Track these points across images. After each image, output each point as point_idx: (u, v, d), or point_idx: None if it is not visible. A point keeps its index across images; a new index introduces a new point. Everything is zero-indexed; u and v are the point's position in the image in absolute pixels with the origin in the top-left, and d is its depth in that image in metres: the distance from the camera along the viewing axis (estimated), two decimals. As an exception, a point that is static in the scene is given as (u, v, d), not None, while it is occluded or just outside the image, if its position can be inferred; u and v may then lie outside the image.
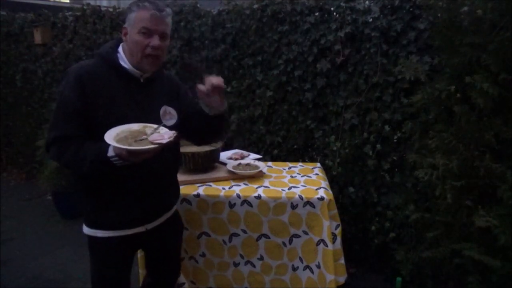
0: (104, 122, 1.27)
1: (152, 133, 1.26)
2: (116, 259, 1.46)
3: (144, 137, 1.24)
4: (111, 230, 1.39)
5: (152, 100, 1.41)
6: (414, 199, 2.21)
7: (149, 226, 1.47)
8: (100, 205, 1.37)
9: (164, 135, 1.25)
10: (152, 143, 1.21)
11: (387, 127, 2.34)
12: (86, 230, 1.42)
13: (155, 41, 1.31)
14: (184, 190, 1.91)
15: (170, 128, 1.36)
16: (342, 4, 2.38)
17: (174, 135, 1.26)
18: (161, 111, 1.42)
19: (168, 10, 1.35)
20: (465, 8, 1.75)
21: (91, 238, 1.42)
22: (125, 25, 1.34)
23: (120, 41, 1.40)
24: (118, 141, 1.19)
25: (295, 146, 2.77)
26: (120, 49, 1.38)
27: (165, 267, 1.68)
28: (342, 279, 1.90)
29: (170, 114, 1.44)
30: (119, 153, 1.20)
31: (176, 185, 1.64)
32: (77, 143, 1.26)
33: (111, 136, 1.20)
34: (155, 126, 1.31)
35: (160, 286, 1.72)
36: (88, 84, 1.27)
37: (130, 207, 1.38)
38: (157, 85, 1.44)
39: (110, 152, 1.22)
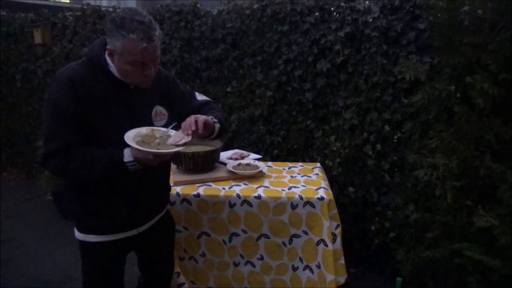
0: (96, 127, 1.25)
1: (161, 136, 1.30)
2: (109, 262, 1.45)
3: (157, 140, 1.27)
4: (104, 234, 1.39)
5: (143, 103, 1.38)
6: (414, 199, 2.21)
7: (141, 228, 1.47)
8: (92, 210, 1.35)
9: (183, 138, 1.30)
10: (176, 145, 1.26)
11: (387, 127, 2.34)
12: (78, 235, 1.41)
13: (149, 70, 1.24)
14: (184, 190, 1.91)
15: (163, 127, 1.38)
16: (342, 4, 2.38)
17: (188, 139, 1.30)
18: (153, 113, 1.41)
19: (156, 29, 1.20)
20: (465, 8, 1.75)
21: (83, 242, 1.41)
22: (109, 46, 1.21)
23: (106, 42, 1.27)
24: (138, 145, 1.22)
25: (295, 146, 2.77)
26: (107, 53, 1.27)
27: (159, 268, 1.67)
28: (342, 279, 1.90)
29: (161, 114, 1.43)
30: (143, 157, 1.21)
31: (167, 186, 1.64)
32: (80, 151, 1.23)
33: (133, 141, 1.22)
34: (163, 129, 1.34)
35: (155, 285, 1.72)
36: (80, 88, 1.21)
37: (122, 211, 1.38)
38: (148, 87, 1.39)
39: (127, 157, 1.23)
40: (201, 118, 1.34)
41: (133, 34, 1.15)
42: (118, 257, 1.48)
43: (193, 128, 1.30)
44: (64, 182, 1.45)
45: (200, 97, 1.58)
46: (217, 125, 1.46)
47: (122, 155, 1.24)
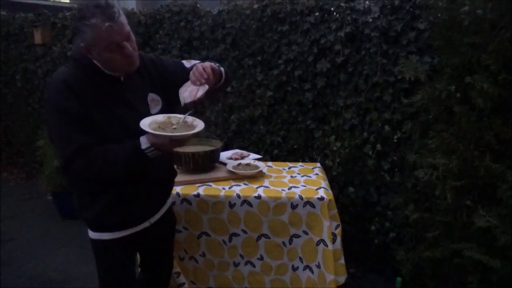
0: (99, 125, 1.24)
1: (178, 122, 1.28)
2: (123, 259, 1.46)
3: (173, 126, 1.26)
4: (118, 230, 1.39)
5: (137, 93, 1.37)
6: (414, 199, 2.21)
7: (153, 219, 1.49)
8: (107, 207, 1.35)
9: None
10: (190, 124, 1.27)
11: (387, 127, 2.34)
12: (92, 234, 1.41)
13: (126, 50, 1.21)
14: (184, 190, 1.91)
15: (157, 113, 1.38)
16: (342, 4, 2.38)
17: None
18: (149, 100, 1.40)
19: (115, 6, 1.18)
20: (465, 8, 1.75)
21: (97, 241, 1.41)
22: (83, 44, 1.19)
23: None
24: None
25: (295, 146, 2.77)
26: (85, 51, 1.25)
27: (160, 264, 1.69)
28: (342, 279, 1.90)
29: (154, 100, 1.42)
30: (160, 142, 1.20)
31: (173, 169, 1.64)
32: (99, 149, 1.22)
33: (149, 128, 1.21)
34: (180, 116, 1.32)
35: (155, 283, 1.73)
36: (77, 89, 1.21)
37: (136, 205, 1.39)
38: (137, 77, 1.39)
39: (144, 144, 1.22)
40: (206, 64, 1.34)
41: (93, 19, 1.13)
42: (130, 254, 1.49)
43: (205, 76, 1.30)
44: (75, 184, 1.42)
45: (189, 63, 1.54)
46: (222, 69, 1.46)
47: (139, 144, 1.23)
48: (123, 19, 1.20)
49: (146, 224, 1.46)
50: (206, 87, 1.31)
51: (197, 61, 1.55)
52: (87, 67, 1.26)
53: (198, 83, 1.31)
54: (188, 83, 1.35)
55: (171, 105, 1.44)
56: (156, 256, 1.67)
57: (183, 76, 1.44)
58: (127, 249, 1.45)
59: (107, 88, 1.29)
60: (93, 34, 1.15)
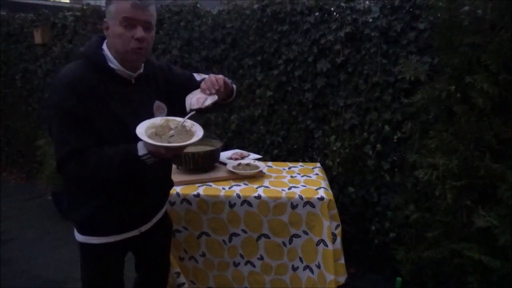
0: (100, 127, 1.23)
1: (176, 127, 1.26)
2: (110, 264, 1.44)
3: (171, 132, 1.24)
4: (106, 235, 1.38)
5: (144, 99, 1.37)
6: (414, 199, 2.21)
7: (143, 228, 1.47)
8: (96, 211, 1.33)
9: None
10: (188, 130, 1.25)
11: (387, 127, 2.34)
12: (79, 237, 1.40)
13: (139, 32, 1.21)
14: (184, 190, 1.91)
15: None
16: (342, 4, 2.38)
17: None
18: (154, 107, 1.40)
19: None
20: (465, 8, 1.75)
21: (85, 245, 1.40)
22: (105, 19, 1.24)
23: (104, 38, 1.30)
24: (150, 139, 1.18)
25: (295, 146, 2.77)
26: (104, 46, 1.28)
27: (155, 269, 1.67)
28: (342, 279, 1.90)
29: (160, 108, 1.41)
30: (155, 150, 1.19)
31: (169, 181, 1.62)
32: (95, 151, 1.21)
33: (145, 135, 1.18)
34: (178, 119, 1.30)
35: (152, 286, 1.71)
36: (81, 90, 1.20)
37: (126, 212, 1.37)
38: (146, 82, 1.39)
39: (141, 151, 1.21)
40: (220, 76, 1.34)
41: None
42: (118, 259, 1.47)
43: (216, 86, 1.30)
44: (66, 184, 1.41)
45: (199, 77, 1.53)
46: (234, 86, 1.46)
47: (136, 150, 1.22)
48: (153, 11, 1.25)
49: (135, 233, 1.44)
50: (215, 97, 1.29)
51: (207, 76, 1.56)
52: (99, 65, 1.25)
53: (208, 92, 1.31)
54: (197, 91, 1.34)
55: (175, 114, 1.42)
56: (151, 260, 1.65)
57: (192, 87, 1.44)
58: (114, 254, 1.43)
59: (115, 88, 1.28)
60: (118, 5, 1.20)
